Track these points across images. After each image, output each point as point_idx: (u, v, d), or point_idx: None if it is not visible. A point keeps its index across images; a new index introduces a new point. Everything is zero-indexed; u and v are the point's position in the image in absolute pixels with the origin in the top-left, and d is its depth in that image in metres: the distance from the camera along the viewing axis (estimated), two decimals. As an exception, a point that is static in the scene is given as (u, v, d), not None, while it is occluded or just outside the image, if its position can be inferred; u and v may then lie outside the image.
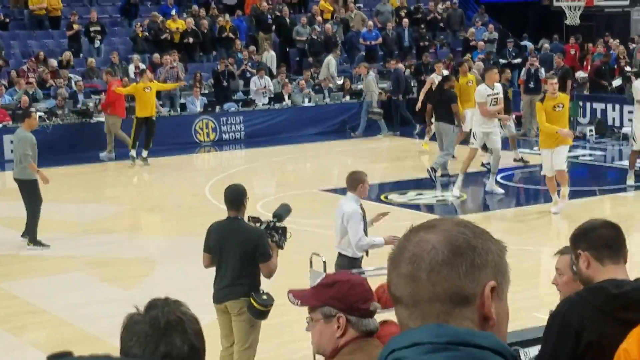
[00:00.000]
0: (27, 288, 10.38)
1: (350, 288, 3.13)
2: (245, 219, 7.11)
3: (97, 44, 23.53)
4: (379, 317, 6.59)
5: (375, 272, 6.88)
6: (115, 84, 18.63)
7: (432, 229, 1.72)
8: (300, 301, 3.24)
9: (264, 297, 6.78)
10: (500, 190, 14.69)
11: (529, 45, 25.53)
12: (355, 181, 7.52)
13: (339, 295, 3.10)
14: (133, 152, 18.02)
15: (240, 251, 6.88)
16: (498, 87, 14.58)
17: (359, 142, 20.84)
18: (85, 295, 10.06)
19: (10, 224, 13.39)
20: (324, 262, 7.20)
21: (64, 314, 9.38)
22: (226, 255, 6.95)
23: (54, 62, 21.83)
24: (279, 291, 9.61)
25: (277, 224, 6.96)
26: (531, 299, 8.14)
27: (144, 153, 18.09)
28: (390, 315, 6.05)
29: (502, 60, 24.47)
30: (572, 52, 24.07)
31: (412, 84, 22.67)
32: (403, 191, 15.34)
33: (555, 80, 13.37)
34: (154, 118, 18.24)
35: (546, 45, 24.64)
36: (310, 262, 7.34)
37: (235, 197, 7.07)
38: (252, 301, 6.70)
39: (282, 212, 7.15)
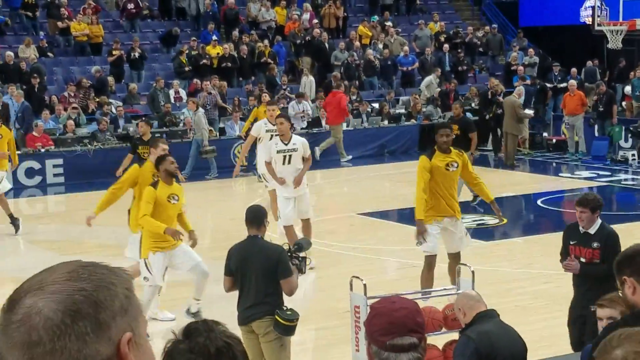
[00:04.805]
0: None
1: (373, 317, 3.05)
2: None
3: (139, 67, 23.84)
4: (445, 337, 6.60)
5: (440, 292, 6.82)
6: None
7: (40, 292, 1.47)
8: None
9: (289, 312, 6.78)
10: None
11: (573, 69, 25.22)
12: None
13: (365, 322, 3.05)
14: None
15: (263, 269, 6.87)
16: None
17: (397, 166, 20.76)
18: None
19: (50, 247, 13.53)
20: (364, 285, 7.18)
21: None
22: (249, 275, 6.94)
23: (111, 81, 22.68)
24: (320, 315, 9.57)
25: (297, 253, 7.03)
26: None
27: None
28: (455, 335, 6.02)
29: (547, 85, 24.23)
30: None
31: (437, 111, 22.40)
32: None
33: None
34: None
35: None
36: (351, 285, 7.33)
37: (256, 215, 7.16)
38: (277, 317, 6.71)
39: (304, 243, 7.26)
